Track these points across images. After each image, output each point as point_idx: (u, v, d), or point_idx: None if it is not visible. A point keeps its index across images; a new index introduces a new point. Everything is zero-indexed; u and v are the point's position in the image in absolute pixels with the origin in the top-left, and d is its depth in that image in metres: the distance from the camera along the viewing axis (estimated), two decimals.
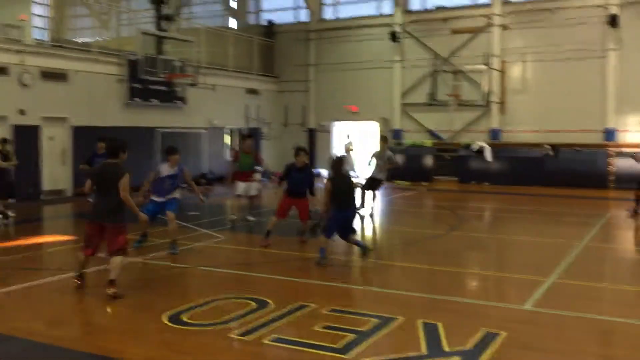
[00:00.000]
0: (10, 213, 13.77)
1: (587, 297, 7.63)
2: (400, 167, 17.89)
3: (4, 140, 13.86)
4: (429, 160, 23.46)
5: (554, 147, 21.41)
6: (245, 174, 12.83)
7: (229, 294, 7.45)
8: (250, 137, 13.60)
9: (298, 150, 10.46)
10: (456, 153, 23.06)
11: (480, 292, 8.15)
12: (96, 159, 12.03)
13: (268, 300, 7.04)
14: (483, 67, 22.23)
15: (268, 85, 26.61)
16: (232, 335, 5.93)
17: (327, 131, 26.50)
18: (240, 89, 24.72)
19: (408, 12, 24.75)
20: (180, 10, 22.42)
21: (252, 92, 25.42)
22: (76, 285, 7.53)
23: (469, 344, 5.69)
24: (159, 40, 20.51)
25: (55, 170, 17.67)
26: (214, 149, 23.42)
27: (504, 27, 22.80)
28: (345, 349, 5.56)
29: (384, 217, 15.25)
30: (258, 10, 28.80)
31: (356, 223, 9.11)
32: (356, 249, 9.34)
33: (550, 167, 21.13)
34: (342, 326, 6.18)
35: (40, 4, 19.52)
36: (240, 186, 12.79)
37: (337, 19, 26.49)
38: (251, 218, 13.14)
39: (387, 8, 25.25)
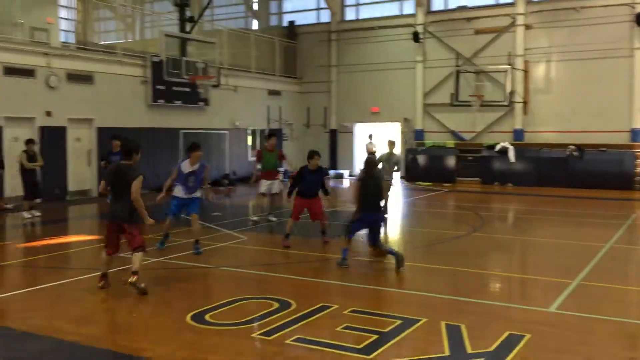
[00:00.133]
0: (36, 213, 14.03)
1: (613, 299, 7.52)
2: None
3: (30, 141, 14.09)
4: (451, 161, 23.32)
5: (578, 147, 21.13)
6: (269, 173, 13.04)
7: (251, 294, 7.49)
8: (273, 135, 13.71)
9: (312, 153, 10.56)
10: (479, 154, 22.89)
11: (504, 294, 8.08)
12: (112, 157, 12.26)
13: (290, 300, 7.06)
14: (506, 67, 22.02)
15: (290, 86, 26.67)
16: (255, 335, 5.96)
17: (349, 132, 26.48)
18: (262, 90, 24.83)
19: (430, 12, 24.63)
20: (203, 13, 22.55)
21: (274, 93, 25.50)
22: (100, 284, 7.64)
23: (493, 346, 5.64)
24: (182, 42, 20.69)
25: (81, 170, 17.93)
26: (236, 150, 23.55)
27: (528, 27, 22.57)
28: (367, 350, 5.55)
29: (406, 218, 15.19)
30: (280, 12, 28.87)
31: (382, 228, 9.00)
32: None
33: (575, 168, 20.86)
34: (364, 327, 6.18)
35: (66, 7, 19.82)
36: (264, 184, 13.07)
37: (359, 20, 26.45)
38: (273, 218, 13.21)
39: (408, 8, 25.14)
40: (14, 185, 14.97)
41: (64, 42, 18.46)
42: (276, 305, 6.91)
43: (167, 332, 6.09)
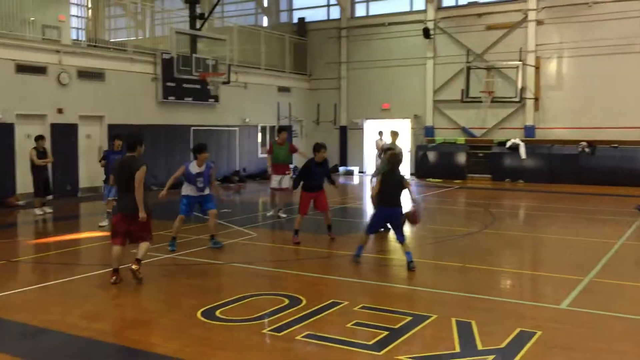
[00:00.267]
0: (47, 209, 14.12)
1: (624, 296, 7.47)
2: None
3: (40, 137, 14.15)
4: (461, 158, 23.24)
5: (590, 144, 20.99)
6: (279, 167, 13.19)
7: (261, 291, 7.50)
8: (284, 130, 13.88)
9: (319, 146, 10.65)
10: (489, 150, 22.78)
11: (515, 290, 8.04)
12: (111, 156, 12.16)
13: (300, 297, 7.07)
14: (517, 63, 21.89)
15: (300, 83, 26.67)
16: (265, 331, 5.98)
17: (360, 129, 26.45)
18: (272, 87, 24.84)
19: (441, 8, 24.53)
20: (213, 9, 22.59)
21: (284, 90, 25.51)
22: (113, 280, 7.70)
23: (504, 343, 5.62)
24: (193, 39, 20.74)
25: (92, 167, 18.01)
26: (246, 147, 23.60)
27: (539, 22, 22.42)
28: (377, 346, 5.54)
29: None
30: (290, 9, 28.86)
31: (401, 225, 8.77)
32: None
33: (586, 165, 20.72)
34: (374, 323, 6.17)
35: (77, 5, 19.91)
36: (275, 179, 13.19)
37: (369, 16, 26.37)
38: (283, 215, 13.24)
39: (419, 4, 25.04)
40: (25, 182, 15.07)
41: (75, 40, 18.56)
42: (286, 301, 6.92)
43: (177, 328, 6.11)
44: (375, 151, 22.23)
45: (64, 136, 17.06)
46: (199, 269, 8.79)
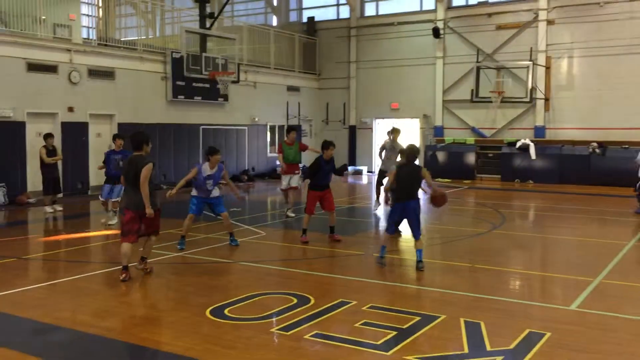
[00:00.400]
0: (58, 207, 14.21)
1: (635, 298, 7.41)
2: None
3: (49, 135, 14.22)
4: (471, 158, 23.17)
5: (601, 144, 20.86)
6: (289, 167, 13.29)
7: (270, 290, 7.51)
8: (293, 129, 13.90)
9: (328, 144, 10.63)
10: (499, 150, 22.70)
11: (524, 291, 7.99)
12: (112, 156, 12.13)
13: (309, 296, 7.08)
14: (528, 63, 21.78)
15: (309, 82, 26.67)
16: (273, 330, 5.98)
17: (369, 128, 26.42)
18: (281, 86, 24.86)
19: (450, 7, 24.45)
20: (223, 9, 22.63)
21: (293, 89, 25.52)
22: (122, 277, 7.76)
23: (513, 344, 5.60)
24: (202, 38, 20.80)
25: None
26: (255, 146, 23.64)
27: (550, 22, 22.31)
28: (385, 346, 5.54)
29: (425, 215, 15.09)
30: (299, 8, 28.87)
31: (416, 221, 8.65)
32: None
33: (597, 165, 20.59)
34: (382, 323, 6.17)
35: (88, 4, 20.00)
36: (284, 179, 13.29)
37: (378, 15, 26.33)
38: (291, 214, 13.26)
39: (429, 4, 24.96)
40: (36, 180, 15.17)
41: (85, 39, 18.63)
42: (295, 300, 6.93)
43: (186, 326, 6.13)
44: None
45: (75, 135, 17.15)
46: (208, 268, 8.82)
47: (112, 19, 21.64)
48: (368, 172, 25.77)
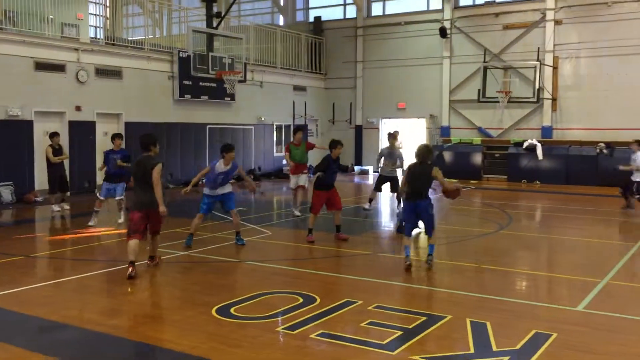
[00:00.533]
0: (65, 206, 14.26)
1: None
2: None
3: (55, 134, 14.24)
4: (477, 158, 23.11)
5: (608, 145, 20.76)
6: (297, 167, 13.41)
7: (276, 289, 7.52)
8: (300, 130, 14.01)
9: (336, 142, 10.64)
10: (506, 151, 22.64)
11: (530, 292, 7.97)
12: (111, 156, 12.05)
13: (314, 295, 7.08)
14: (535, 63, 21.71)
15: (315, 82, 26.67)
16: (279, 329, 5.99)
17: (375, 128, 26.40)
18: (287, 86, 24.88)
19: (457, 7, 24.40)
20: (229, 8, 22.66)
21: (300, 89, 25.53)
22: (129, 271, 7.84)
23: (519, 345, 5.58)
24: (209, 37, 20.83)
25: None
26: (261, 146, 23.67)
27: (557, 22, 22.23)
28: (391, 346, 5.54)
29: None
30: (306, 7, 28.88)
31: (429, 219, 8.59)
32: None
33: (604, 166, 20.48)
34: (388, 323, 6.16)
35: (95, 3, 20.08)
36: (292, 179, 13.39)
37: (385, 15, 26.31)
38: (297, 213, 13.29)
39: (435, 3, 24.93)
40: (43, 179, 15.23)
41: (93, 38, 18.70)
42: (300, 299, 6.93)
43: (192, 325, 6.14)
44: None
45: (82, 133, 17.22)
46: (214, 267, 8.84)
47: (120, 18, 21.72)
48: (374, 171, 25.71)
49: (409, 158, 22.29)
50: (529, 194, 19.40)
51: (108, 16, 20.33)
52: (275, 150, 24.25)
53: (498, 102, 22.05)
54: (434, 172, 8.49)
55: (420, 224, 8.85)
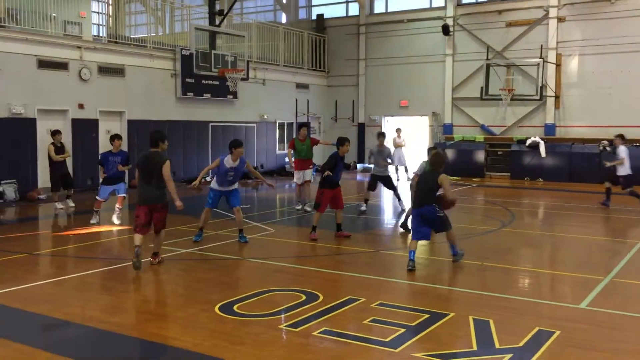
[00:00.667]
0: (71, 203, 14.30)
1: None
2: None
3: (57, 132, 14.25)
4: (480, 156, 23.08)
5: (612, 142, 20.67)
6: (302, 162, 13.46)
7: (279, 286, 7.53)
8: (305, 126, 14.15)
9: (344, 140, 10.64)
10: (509, 148, 22.60)
11: (533, 289, 7.97)
12: (110, 158, 11.83)
13: (317, 293, 7.08)
14: (538, 60, 21.67)
15: (318, 79, 26.66)
16: (282, 327, 6.00)
17: (378, 125, 26.37)
18: (290, 84, 24.87)
19: (460, 4, 24.35)
20: (232, 6, 22.65)
21: (302, 86, 25.53)
22: (135, 260, 7.93)
23: (522, 342, 5.58)
24: (212, 35, 20.83)
25: None
26: (264, 143, 23.67)
27: (561, 19, 22.17)
28: (394, 343, 5.54)
29: None
30: (309, 5, 28.85)
31: (437, 221, 8.52)
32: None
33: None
34: (391, 320, 6.16)
35: (98, 1, 20.08)
36: (297, 175, 13.45)
37: (388, 13, 26.26)
38: (308, 208, 13.31)
39: (438, 1, 24.87)
40: (46, 177, 15.25)
41: (96, 36, 18.71)
42: (303, 297, 6.94)
43: (195, 322, 6.15)
44: (392, 149, 22.20)
45: (85, 131, 17.25)
46: (217, 264, 8.85)
47: (122, 16, 21.72)
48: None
49: (409, 158, 22.50)
50: (531, 191, 19.37)
51: (111, 14, 20.32)
52: (277, 148, 24.25)
53: (501, 99, 22.00)
54: (441, 178, 8.44)
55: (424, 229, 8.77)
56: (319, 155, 20.24)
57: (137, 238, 8.13)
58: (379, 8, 26.65)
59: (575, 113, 22.12)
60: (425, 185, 8.54)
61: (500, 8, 23.25)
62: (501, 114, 23.13)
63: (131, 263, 8.03)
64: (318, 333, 5.80)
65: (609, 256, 9.41)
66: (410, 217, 9.13)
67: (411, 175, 15.98)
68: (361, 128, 26.62)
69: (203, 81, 20.43)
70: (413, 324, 6.07)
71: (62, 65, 16.71)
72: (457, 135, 24.03)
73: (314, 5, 28.55)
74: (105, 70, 17.84)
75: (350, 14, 27.34)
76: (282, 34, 24.75)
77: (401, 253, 9.52)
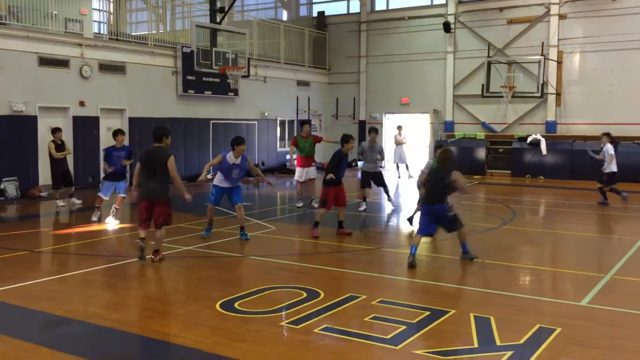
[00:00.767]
0: (76, 201, 14.33)
1: None
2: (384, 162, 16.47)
3: (57, 130, 14.25)
4: (481, 153, 23.06)
5: (613, 140, 20.65)
6: (305, 159, 13.48)
7: (280, 284, 7.53)
8: (307, 123, 14.13)
9: (348, 137, 10.64)
10: (510, 146, 22.59)
11: (534, 287, 7.97)
12: (114, 153, 11.85)
13: (318, 290, 7.09)
14: (539, 57, 21.64)
15: (319, 77, 26.65)
16: (283, 324, 6.01)
17: (379, 123, 26.35)
18: (291, 81, 24.86)
19: (461, 2, 24.32)
20: (233, 3, 22.63)
21: (303, 84, 25.51)
22: (139, 254, 8.09)
23: (523, 339, 5.59)
24: (213, 32, 20.80)
25: None
26: (265, 141, 23.67)
27: (562, 17, 22.14)
28: (394, 340, 5.55)
29: None
30: (309, 2, 28.82)
31: (448, 218, 8.51)
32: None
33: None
34: (392, 317, 6.17)
35: None
36: (299, 171, 13.47)
37: (389, 10, 26.23)
38: (315, 205, 13.28)
39: None
40: (47, 174, 15.26)
41: (97, 33, 18.72)
42: (304, 294, 6.95)
43: (196, 319, 6.16)
44: (394, 146, 22.21)
45: (86, 129, 17.26)
46: (219, 261, 8.86)
47: (123, 13, 21.69)
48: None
49: (409, 155, 22.43)
50: (532, 189, 19.37)
51: (112, 11, 20.31)
52: (278, 146, 24.25)
53: (502, 97, 22.00)
54: (455, 175, 8.43)
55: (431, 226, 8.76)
56: (320, 153, 20.21)
57: (142, 232, 8.28)
58: (380, 5, 26.61)
59: (577, 110, 22.10)
60: (436, 183, 8.51)
61: (501, 5, 23.21)
62: (502, 111, 23.11)
63: (133, 260, 8.06)
64: (319, 330, 5.81)
65: (610, 253, 9.42)
66: (419, 213, 9.12)
67: (412, 173, 16.03)
68: (362, 125, 26.59)
69: (204, 79, 20.42)
70: (414, 321, 6.08)
71: (63, 63, 16.71)
72: (458, 133, 24.02)
73: (315, 3, 28.51)
74: (106, 67, 17.83)
75: (351, 11, 27.32)
76: (283, 32, 24.73)
77: (402, 251, 9.52)
